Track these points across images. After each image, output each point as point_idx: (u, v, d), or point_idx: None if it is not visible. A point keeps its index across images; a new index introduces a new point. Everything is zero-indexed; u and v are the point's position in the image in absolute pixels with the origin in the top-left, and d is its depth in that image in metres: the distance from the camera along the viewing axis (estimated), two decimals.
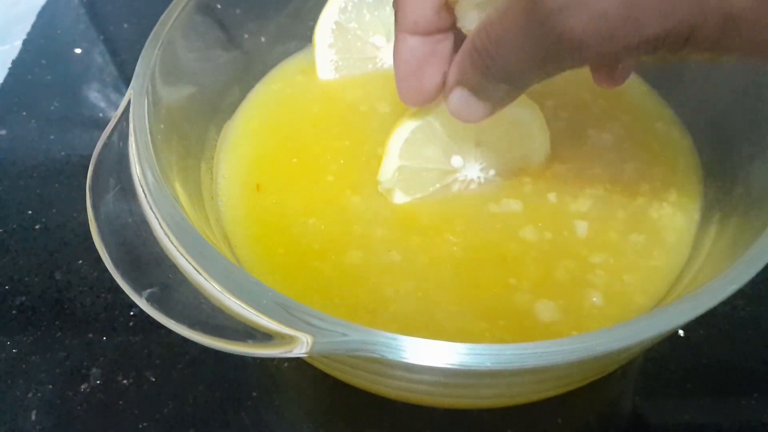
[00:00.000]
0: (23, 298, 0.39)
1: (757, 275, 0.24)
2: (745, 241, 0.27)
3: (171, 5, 0.34)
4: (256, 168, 0.37)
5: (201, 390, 0.35)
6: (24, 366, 0.37)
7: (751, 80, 0.34)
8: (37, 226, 0.43)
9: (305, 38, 0.44)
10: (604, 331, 0.22)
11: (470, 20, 0.27)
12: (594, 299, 0.31)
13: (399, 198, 0.34)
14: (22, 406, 0.35)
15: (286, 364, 0.36)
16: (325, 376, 0.32)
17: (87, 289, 0.39)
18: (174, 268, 0.25)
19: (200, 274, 0.25)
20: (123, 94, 0.31)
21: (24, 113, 0.50)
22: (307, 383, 0.36)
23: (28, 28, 0.57)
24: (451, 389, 0.29)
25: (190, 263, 0.25)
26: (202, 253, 0.25)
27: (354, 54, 0.42)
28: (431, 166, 0.34)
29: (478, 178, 0.35)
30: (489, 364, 0.22)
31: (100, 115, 0.50)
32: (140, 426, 0.34)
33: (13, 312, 0.39)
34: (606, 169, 0.36)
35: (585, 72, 0.41)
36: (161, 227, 0.26)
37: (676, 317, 0.23)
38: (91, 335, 0.37)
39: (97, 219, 0.27)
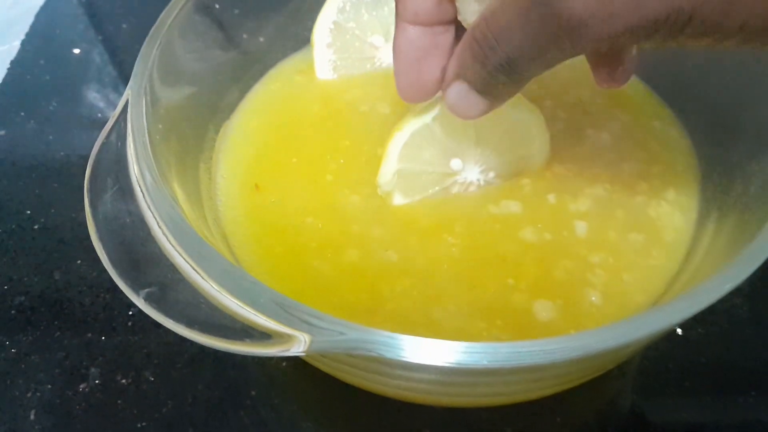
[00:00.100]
0: (22, 298, 0.39)
1: (756, 274, 0.24)
2: (742, 240, 0.27)
3: (169, 5, 0.34)
4: (254, 168, 0.38)
5: (200, 389, 0.35)
6: (23, 366, 0.37)
7: (750, 80, 0.34)
8: (36, 226, 0.43)
9: (304, 38, 0.44)
10: (601, 330, 0.22)
11: (471, 12, 0.27)
12: (593, 298, 0.31)
13: (398, 200, 0.34)
14: (21, 406, 0.35)
15: (284, 364, 0.36)
16: (324, 376, 0.32)
17: (86, 289, 0.40)
18: (172, 267, 0.25)
19: (198, 273, 0.25)
20: (122, 95, 0.31)
21: (23, 113, 0.50)
22: (306, 382, 0.36)
23: (26, 28, 0.57)
24: (449, 388, 0.29)
25: (188, 263, 0.25)
26: (200, 253, 0.25)
27: (352, 54, 0.42)
28: (430, 169, 0.34)
29: (478, 180, 0.35)
30: (485, 363, 0.22)
31: (99, 115, 0.51)
32: (139, 425, 0.34)
33: (12, 312, 0.39)
34: (605, 169, 0.36)
35: (583, 72, 0.41)
36: (159, 227, 0.26)
37: (672, 315, 0.23)
38: (90, 335, 0.38)
39: (95, 219, 0.27)
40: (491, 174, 0.35)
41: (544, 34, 0.22)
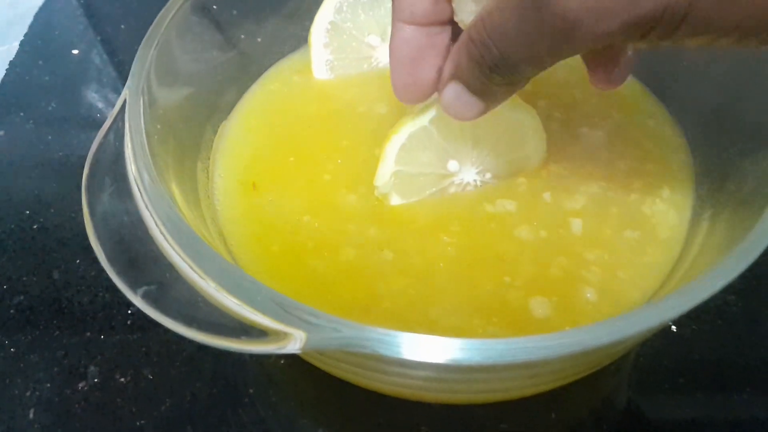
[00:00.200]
0: (21, 298, 0.40)
1: (750, 271, 0.24)
2: (735, 237, 0.27)
3: (167, 5, 0.34)
4: (252, 167, 0.38)
5: (198, 387, 0.35)
6: (22, 365, 0.37)
7: (743, 78, 0.34)
8: (35, 226, 0.43)
9: (301, 38, 0.44)
10: (595, 326, 0.23)
11: (467, 13, 0.27)
12: (588, 295, 0.31)
13: (395, 201, 0.35)
14: (20, 405, 0.35)
15: (282, 362, 0.37)
16: (321, 374, 0.32)
17: (85, 288, 0.40)
18: (170, 266, 0.26)
19: (196, 272, 0.25)
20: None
21: (21, 114, 0.51)
22: (303, 380, 0.37)
23: (25, 29, 0.57)
24: (444, 384, 0.29)
25: (185, 261, 0.25)
26: (197, 252, 0.25)
27: (349, 54, 0.42)
28: (428, 170, 0.34)
29: (475, 181, 0.35)
30: (480, 359, 0.22)
31: (98, 115, 0.51)
32: (138, 423, 0.34)
33: (11, 311, 0.39)
34: (600, 167, 0.36)
35: (578, 72, 0.41)
36: (157, 226, 0.26)
37: (666, 312, 0.23)
38: (88, 334, 0.38)
39: (92, 218, 0.27)
40: (488, 175, 0.35)
41: (540, 34, 0.22)
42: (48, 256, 0.42)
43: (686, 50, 0.37)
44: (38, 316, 0.39)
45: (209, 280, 0.24)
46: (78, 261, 0.41)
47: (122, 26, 0.58)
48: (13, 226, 0.43)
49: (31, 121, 0.50)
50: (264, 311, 0.23)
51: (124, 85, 0.31)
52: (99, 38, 0.57)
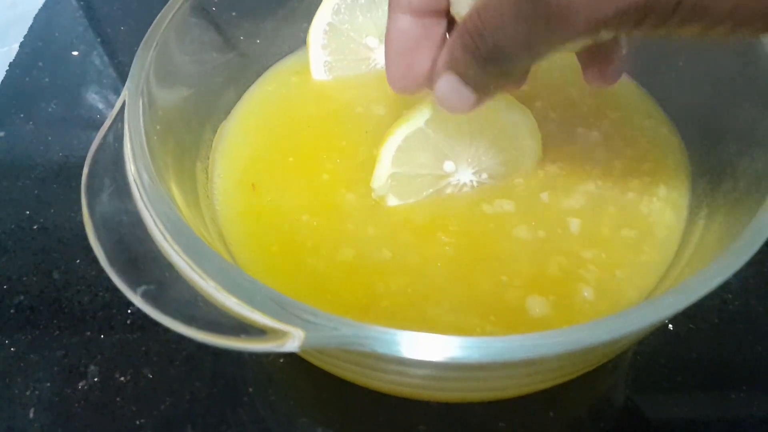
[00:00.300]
0: (21, 298, 0.40)
1: (746, 269, 0.24)
2: (732, 235, 0.27)
3: (166, 7, 0.35)
4: (251, 167, 0.38)
5: (198, 386, 0.36)
6: (22, 364, 0.37)
7: (739, 78, 0.34)
8: (35, 226, 0.43)
9: (299, 40, 0.44)
10: (592, 324, 0.23)
11: (463, 5, 0.27)
12: (585, 294, 0.32)
13: (392, 202, 0.35)
14: (20, 404, 0.35)
15: (282, 361, 0.37)
16: (320, 373, 0.32)
17: (85, 288, 0.40)
18: (169, 266, 0.26)
19: (195, 271, 0.25)
20: None
21: (22, 115, 0.51)
22: (302, 379, 0.37)
23: (25, 30, 0.58)
24: (443, 382, 0.29)
25: (185, 261, 0.25)
26: (197, 251, 0.25)
27: (347, 55, 0.43)
28: (424, 172, 0.35)
29: (471, 181, 0.35)
30: (478, 357, 0.22)
31: (98, 116, 0.51)
32: (138, 422, 0.34)
33: (12, 311, 0.39)
34: (596, 167, 0.36)
35: (573, 72, 0.41)
36: (156, 226, 0.26)
37: (662, 310, 0.24)
38: (88, 333, 0.38)
39: (92, 218, 0.27)
40: (484, 175, 0.35)
41: (535, 22, 0.22)
42: (48, 255, 0.42)
43: (681, 48, 0.38)
44: (38, 316, 0.39)
45: (208, 279, 0.25)
46: (78, 261, 0.41)
47: (122, 27, 0.58)
48: (13, 226, 0.43)
49: (31, 122, 0.50)
50: (263, 310, 0.23)
51: (123, 86, 0.31)
52: (99, 39, 0.57)
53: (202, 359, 0.36)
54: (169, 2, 0.35)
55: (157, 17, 0.34)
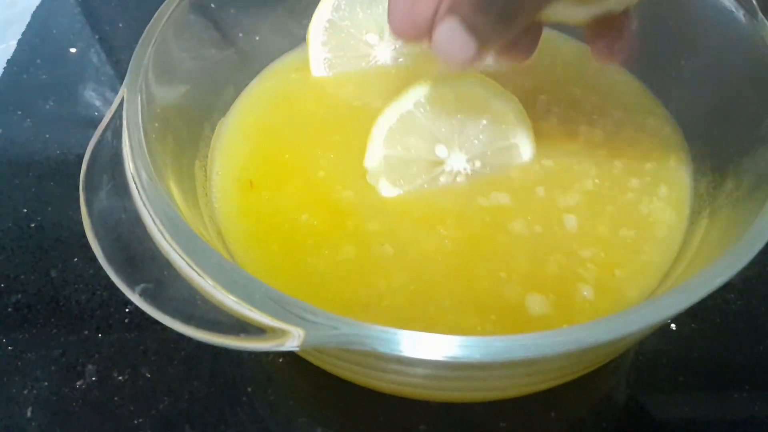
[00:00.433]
0: (19, 296, 0.40)
1: (749, 269, 0.24)
2: (734, 235, 0.27)
3: (164, 4, 0.34)
4: (249, 165, 0.38)
5: (196, 386, 0.35)
6: (20, 363, 0.37)
7: (742, 77, 0.34)
8: (32, 225, 0.43)
9: (299, 36, 0.44)
10: (593, 323, 0.23)
11: None
12: (585, 293, 0.31)
13: (387, 191, 0.35)
14: (18, 403, 0.35)
15: (281, 360, 0.37)
16: (320, 372, 0.32)
17: (82, 286, 0.40)
18: (168, 264, 0.26)
19: (194, 269, 0.25)
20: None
21: (19, 113, 0.51)
22: (302, 379, 0.36)
23: (23, 27, 0.57)
24: (443, 382, 0.29)
25: (183, 259, 0.25)
26: (195, 249, 0.25)
27: (347, 52, 0.42)
28: (417, 156, 0.35)
29: (465, 170, 0.35)
30: (478, 356, 0.22)
31: (96, 114, 0.51)
32: (135, 422, 0.34)
33: (9, 310, 0.39)
34: (596, 165, 0.36)
35: (578, 69, 0.41)
36: (155, 224, 0.26)
37: (664, 309, 0.23)
38: (86, 332, 0.38)
39: (90, 215, 0.27)
40: (478, 163, 0.35)
41: None
42: (45, 254, 0.42)
43: (684, 48, 0.38)
44: (36, 315, 0.39)
45: (207, 277, 0.24)
46: (76, 259, 0.41)
47: (120, 25, 0.58)
48: (10, 225, 0.43)
49: (28, 120, 0.50)
50: (262, 309, 0.23)
51: (121, 83, 0.31)
52: (97, 37, 0.57)
53: (200, 358, 0.36)
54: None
55: (156, 14, 0.34)
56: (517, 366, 0.25)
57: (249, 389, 0.36)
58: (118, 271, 0.26)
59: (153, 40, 0.32)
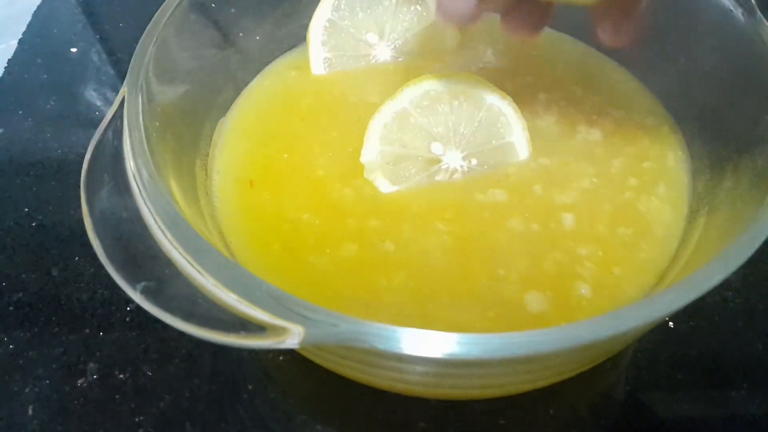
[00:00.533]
0: (20, 295, 0.40)
1: (747, 267, 0.24)
2: (732, 233, 0.27)
3: (165, 3, 0.34)
4: (249, 164, 0.38)
5: (197, 384, 0.36)
6: (21, 362, 0.37)
7: (740, 76, 0.34)
8: (33, 224, 0.43)
9: (299, 36, 0.44)
10: (591, 321, 0.23)
11: None
12: (583, 291, 0.32)
13: (385, 187, 0.35)
14: (19, 401, 0.35)
15: (281, 358, 0.37)
16: (320, 370, 0.32)
17: (83, 285, 0.40)
18: (168, 262, 0.26)
19: (194, 268, 0.25)
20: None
21: (20, 112, 0.51)
22: (302, 377, 0.37)
23: (23, 27, 0.57)
24: (442, 379, 0.29)
25: (184, 257, 0.25)
26: (196, 248, 0.25)
27: (347, 51, 0.43)
28: (413, 152, 0.35)
29: (461, 167, 0.36)
30: (477, 353, 0.22)
31: (97, 113, 0.51)
32: (136, 420, 0.34)
33: (10, 308, 0.39)
34: (593, 164, 0.37)
35: (578, 68, 0.42)
36: (156, 222, 0.26)
37: (662, 307, 0.24)
38: (87, 331, 0.38)
39: (91, 214, 0.27)
40: (474, 161, 0.36)
41: None
42: (47, 253, 0.42)
43: (684, 47, 0.38)
44: (37, 313, 0.39)
45: (208, 275, 0.24)
46: (77, 258, 0.41)
47: (121, 24, 0.58)
48: (11, 224, 0.43)
49: (29, 119, 0.50)
50: (262, 306, 0.23)
51: (122, 82, 0.31)
52: (97, 36, 0.57)
53: (201, 356, 0.36)
54: None
55: (156, 14, 0.34)
56: (516, 363, 0.25)
57: (249, 387, 0.36)
58: (119, 269, 0.26)
59: (153, 40, 0.33)
